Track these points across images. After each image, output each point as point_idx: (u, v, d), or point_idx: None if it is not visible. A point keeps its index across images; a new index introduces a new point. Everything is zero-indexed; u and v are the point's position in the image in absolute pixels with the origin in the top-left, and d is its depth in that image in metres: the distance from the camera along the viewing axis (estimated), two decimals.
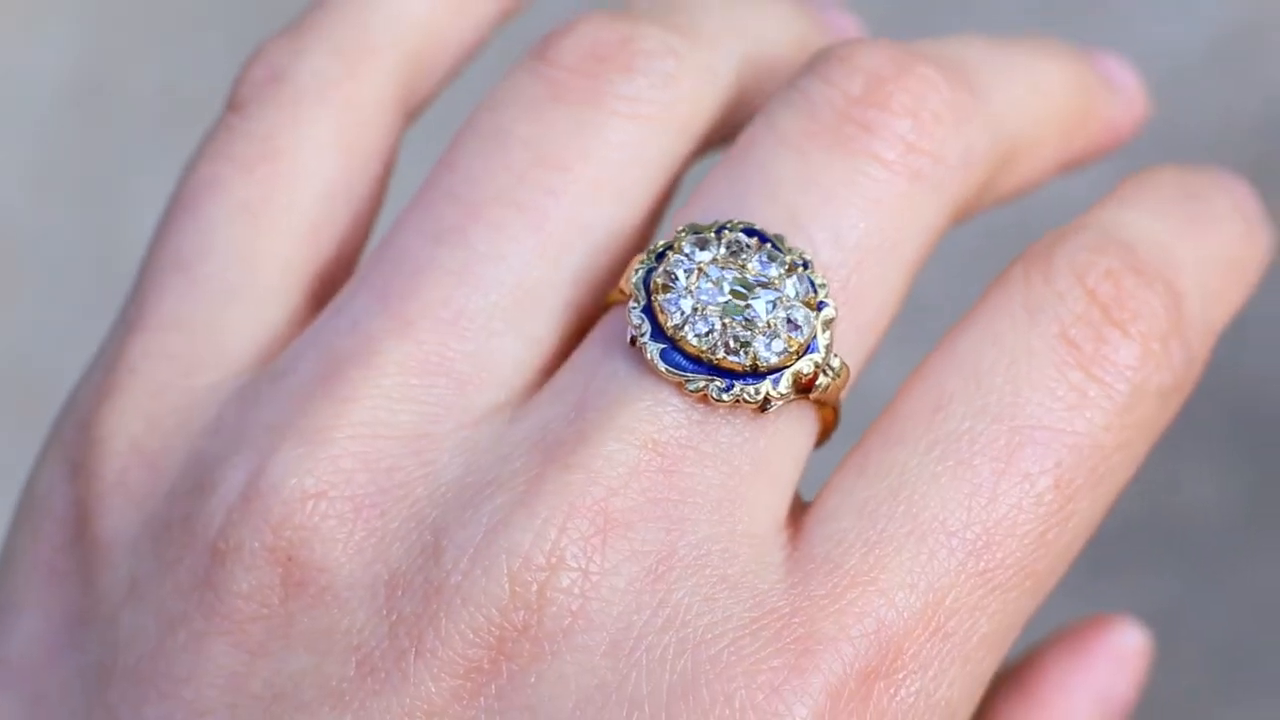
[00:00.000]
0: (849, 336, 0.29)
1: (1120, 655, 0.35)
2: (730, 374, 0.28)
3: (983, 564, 0.28)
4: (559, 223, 0.29)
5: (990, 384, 0.29)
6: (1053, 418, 0.29)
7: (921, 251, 0.30)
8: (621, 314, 0.29)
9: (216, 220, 0.31)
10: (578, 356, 0.29)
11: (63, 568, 0.29)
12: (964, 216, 0.32)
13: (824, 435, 0.30)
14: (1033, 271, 0.30)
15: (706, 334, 0.28)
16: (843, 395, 0.30)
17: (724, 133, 0.32)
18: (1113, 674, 0.35)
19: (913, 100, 0.30)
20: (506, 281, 0.29)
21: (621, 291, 0.29)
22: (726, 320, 0.28)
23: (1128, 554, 0.58)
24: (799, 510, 0.29)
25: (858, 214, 0.29)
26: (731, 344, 0.28)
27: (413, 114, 0.33)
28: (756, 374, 0.28)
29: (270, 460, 0.28)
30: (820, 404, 0.29)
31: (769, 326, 0.28)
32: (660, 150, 0.30)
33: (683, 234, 0.29)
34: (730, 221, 0.29)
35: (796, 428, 0.29)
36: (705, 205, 0.30)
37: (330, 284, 0.32)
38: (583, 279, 0.30)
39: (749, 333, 0.28)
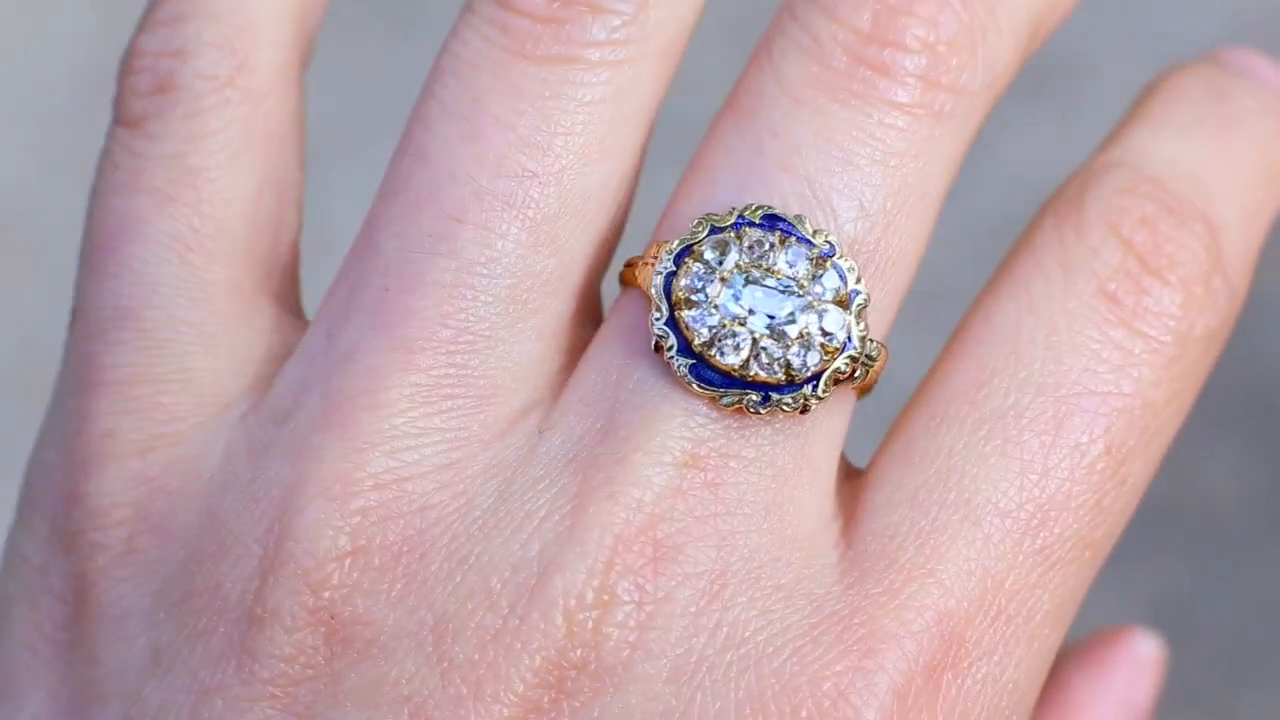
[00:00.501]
0: (880, 302, 0.28)
1: (1139, 665, 0.35)
2: (765, 386, 0.27)
3: (1040, 542, 0.27)
4: (549, 207, 0.28)
5: (1031, 354, 0.28)
6: (1098, 381, 0.28)
7: (947, 184, 0.29)
8: (636, 301, 0.28)
9: (148, 260, 0.29)
10: (598, 355, 0.28)
11: (67, 644, 0.28)
12: None
13: (861, 395, 0.29)
14: (1064, 226, 0.29)
15: (734, 350, 0.27)
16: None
17: None
18: (1133, 683, 0.34)
19: (926, 30, 0.28)
20: (505, 283, 0.28)
21: (634, 273, 0.28)
22: (757, 335, 0.27)
23: (1144, 541, 0.58)
24: (844, 486, 0.29)
25: (881, 174, 0.28)
26: (764, 359, 0.27)
27: (308, 56, 0.31)
28: (793, 384, 0.27)
29: (297, 519, 0.27)
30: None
31: (802, 336, 0.27)
32: (643, 90, 0.29)
33: (700, 231, 0.27)
34: (748, 208, 0.27)
35: (836, 412, 0.28)
36: (718, 175, 0.28)
37: (283, 274, 0.30)
38: (584, 255, 0.28)
39: (782, 345, 0.27)
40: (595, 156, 0.28)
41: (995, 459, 0.28)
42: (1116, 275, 0.28)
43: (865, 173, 0.28)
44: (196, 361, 0.29)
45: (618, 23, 0.28)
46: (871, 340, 0.28)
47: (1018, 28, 0.29)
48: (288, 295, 0.30)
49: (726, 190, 0.28)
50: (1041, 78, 0.32)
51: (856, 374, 0.28)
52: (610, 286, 0.30)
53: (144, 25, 0.30)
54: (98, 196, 0.30)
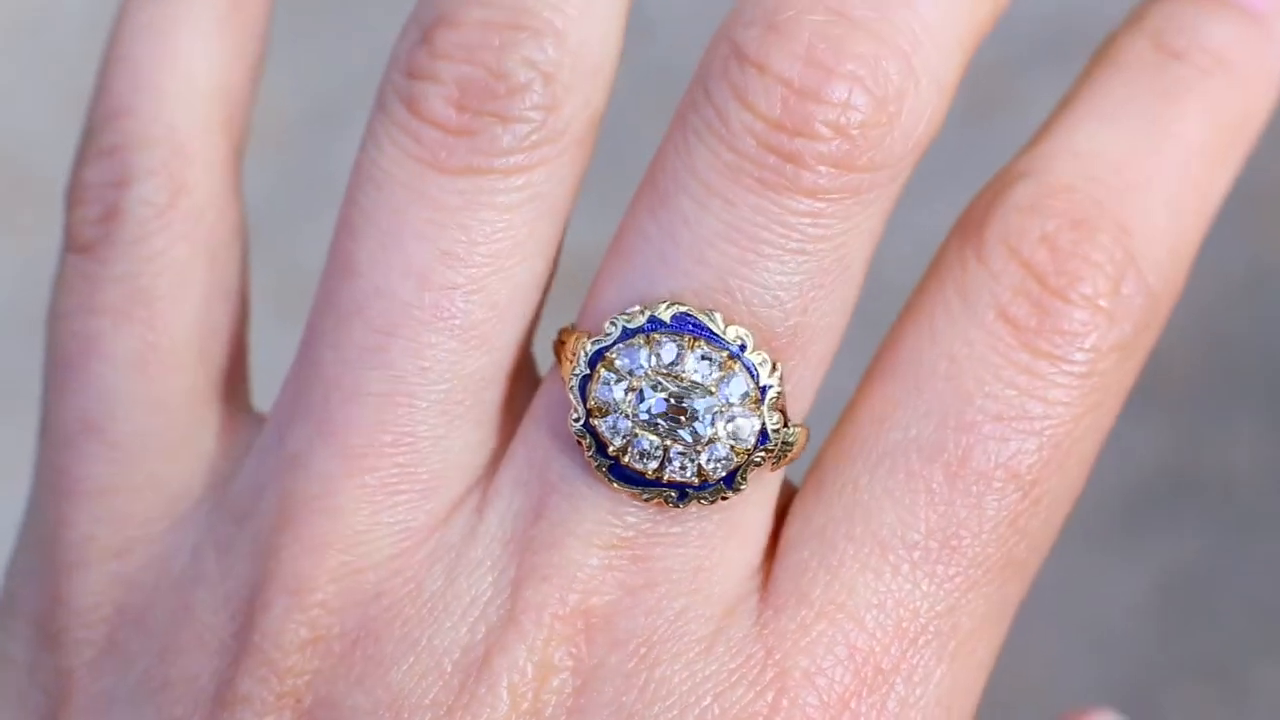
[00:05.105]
0: (802, 379, 0.28)
1: None
2: (682, 485, 0.28)
3: (952, 569, 0.28)
4: (475, 314, 0.29)
5: (931, 387, 0.28)
6: (1002, 407, 0.28)
7: (873, 247, 0.29)
8: (560, 382, 0.29)
9: (109, 376, 0.31)
10: (527, 433, 0.29)
11: None
12: None
13: (798, 455, 0.29)
14: (966, 249, 0.29)
15: (647, 457, 0.27)
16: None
17: None
18: None
19: (838, 113, 0.27)
20: (440, 388, 0.29)
21: (562, 349, 0.29)
22: (668, 443, 0.27)
23: (1159, 515, 0.58)
24: (777, 526, 0.29)
25: (796, 262, 0.28)
26: (676, 464, 0.27)
27: (243, 149, 0.33)
28: (708, 483, 0.28)
29: (262, 614, 0.28)
30: None
31: (712, 440, 0.27)
32: (561, 183, 0.29)
33: (613, 332, 0.28)
34: (660, 305, 0.28)
35: (764, 482, 0.28)
36: (635, 263, 0.28)
37: (233, 373, 0.32)
38: (516, 343, 0.29)
39: (692, 450, 0.27)
40: (517, 257, 0.29)
41: (899, 492, 0.28)
42: (1017, 298, 0.28)
43: (780, 263, 0.28)
44: (163, 468, 0.30)
45: (527, 129, 0.28)
46: (789, 427, 0.28)
47: (939, 76, 0.28)
48: (238, 392, 0.32)
49: (643, 279, 0.28)
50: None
51: (776, 460, 0.28)
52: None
53: (83, 159, 0.32)
54: (56, 319, 0.31)
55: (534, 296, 0.29)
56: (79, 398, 0.31)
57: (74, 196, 0.31)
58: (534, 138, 0.29)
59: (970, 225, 0.29)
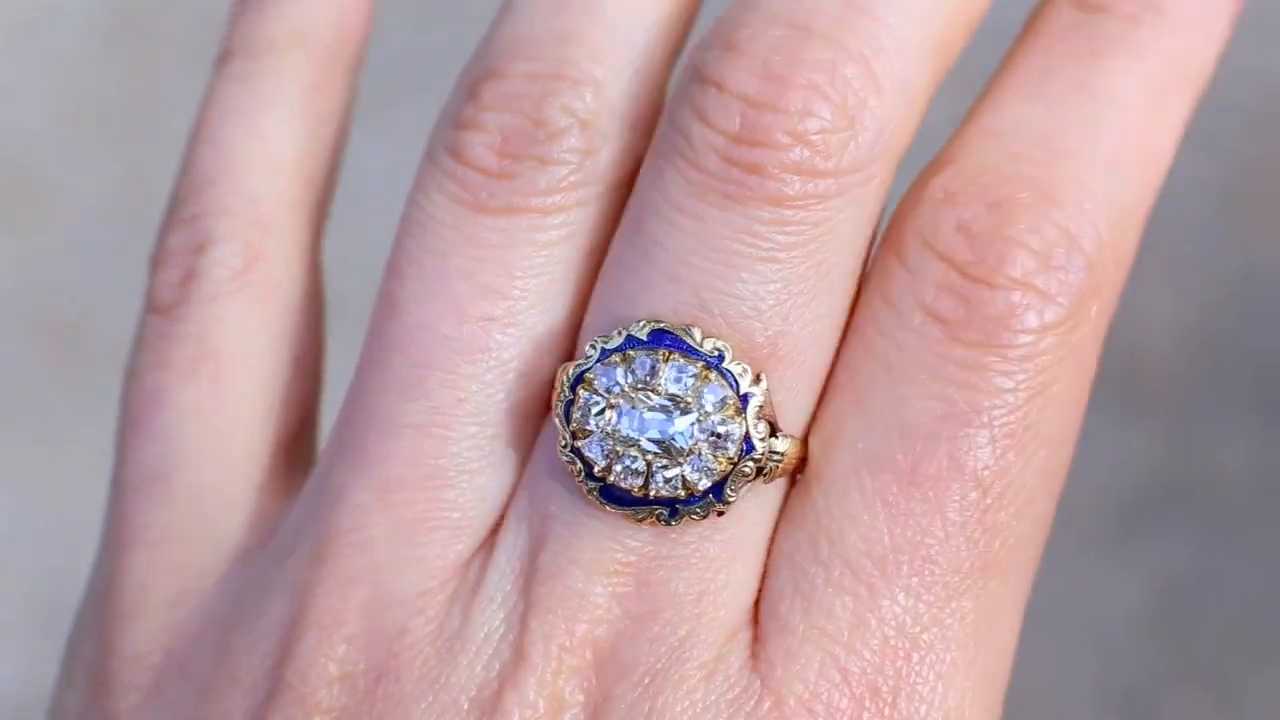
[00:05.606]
0: (796, 386, 0.28)
1: None
2: (672, 501, 0.28)
3: (927, 579, 0.28)
4: (512, 347, 0.29)
5: (870, 401, 0.28)
6: (945, 407, 0.28)
7: (859, 252, 0.29)
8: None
9: (172, 429, 0.31)
10: (532, 468, 0.29)
11: None
12: None
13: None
14: (888, 254, 0.28)
15: (632, 474, 0.28)
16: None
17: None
18: None
19: (796, 121, 0.27)
20: (476, 420, 0.29)
21: (555, 379, 0.29)
22: (649, 458, 0.28)
23: (1158, 516, 0.58)
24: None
25: (768, 270, 0.28)
26: (660, 479, 0.28)
27: (326, 218, 0.33)
28: (695, 497, 0.28)
29: (294, 649, 0.29)
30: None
31: (693, 451, 0.28)
32: (600, 223, 0.29)
33: (591, 357, 0.28)
34: (636, 324, 0.28)
35: (763, 495, 0.28)
36: (618, 286, 0.29)
37: (299, 434, 0.32)
38: (550, 377, 0.29)
39: (675, 463, 0.28)
40: (554, 292, 0.29)
41: (857, 510, 0.28)
42: (941, 294, 0.28)
43: (752, 274, 0.28)
44: (220, 522, 0.31)
45: (565, 171, 0.29)
46: (778, 435, 0.28)
47: (904, 81, 0.28)
48: (302, 455, 0.32)
49: (623, 303, 0.29)
50: None
51: (765, 469, 0.28)
52: None
53: (168, 226, 0.32)
54: (130, 377, 0.32)
55: (569, 330, 0.29)
56: (143, 452, 0.31)
57: (157, 260, 0.32)
58: (572, 179, 0.29)
59: (891, 227, 0.29)
